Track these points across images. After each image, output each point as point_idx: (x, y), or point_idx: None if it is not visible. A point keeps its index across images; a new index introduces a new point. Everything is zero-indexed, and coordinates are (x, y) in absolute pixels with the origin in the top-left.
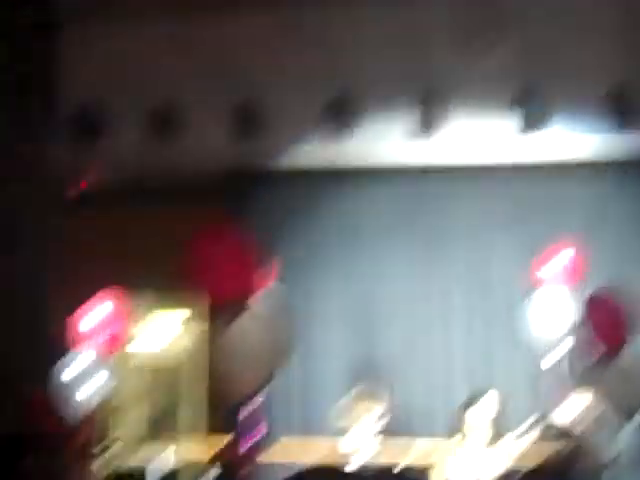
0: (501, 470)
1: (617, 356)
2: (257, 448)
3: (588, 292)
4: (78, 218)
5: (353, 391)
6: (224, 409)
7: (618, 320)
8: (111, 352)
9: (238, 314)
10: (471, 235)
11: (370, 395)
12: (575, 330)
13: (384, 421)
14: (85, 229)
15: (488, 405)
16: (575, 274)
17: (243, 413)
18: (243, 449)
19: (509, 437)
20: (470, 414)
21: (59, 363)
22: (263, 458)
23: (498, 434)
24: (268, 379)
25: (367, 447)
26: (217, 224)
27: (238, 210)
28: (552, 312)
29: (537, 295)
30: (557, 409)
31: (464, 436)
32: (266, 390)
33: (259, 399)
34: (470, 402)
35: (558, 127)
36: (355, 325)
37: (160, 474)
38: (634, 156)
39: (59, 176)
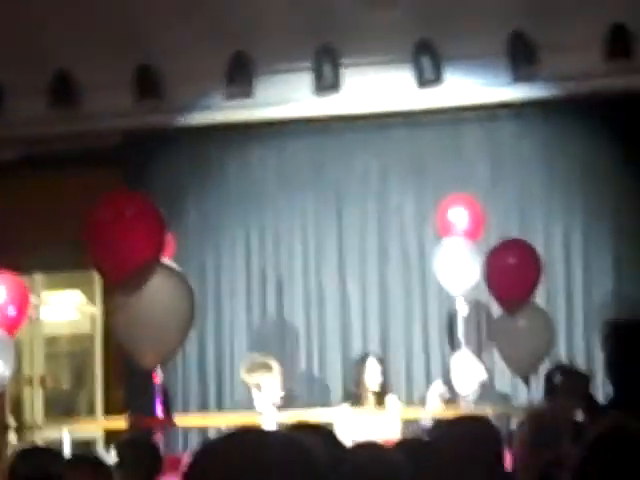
0: (395, 431)
1: (516, 312)
2: (167, 418)
3: (491, 244)
4: None
5: (246, 361)
6: (133, 380)
7: (517, 275)
8: (14, 330)
9: (142, 284)
10: (376, 185)
11: (263, 365)
12: (478, 285)
13: (279, 390)
14: None
15: (378, 368)
16: (475, 224)
17: (153, 383)
18: (154, 418)
19: (395, 399)
20: (365, 376)
21: None
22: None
23: (388, 395)
24: (175, 348)
25: (268, 418)
26: (117, 191)
27: (141, 172)
28: (457, 264)
29: (442, 247)
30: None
31: (359, 399)
32: (173, 361)
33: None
34: (363, 364)
35: (455, 77)
36: (260, 286)
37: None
38: (530, 104)
39: None
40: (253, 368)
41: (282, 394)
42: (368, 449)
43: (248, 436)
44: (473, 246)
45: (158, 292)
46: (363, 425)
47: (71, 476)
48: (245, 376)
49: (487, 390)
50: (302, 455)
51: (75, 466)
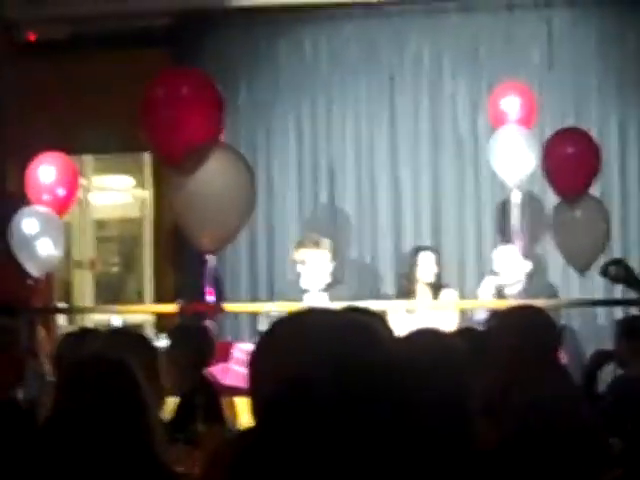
0: (451, 324)
1: (574, 202)
2: (218, 305)
3: (545, 133)
4: (27, 70)
5: (301, 238)
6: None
7: (577, 164)
8: (63, 211)
9: (200, 164)
10: (429, 72)
11: (312, 240)
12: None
13: (328, 267)
14: (36, 82)
15: (434, 260)
16: (528, 113)
17: (209, 265)
18: (205, 304)
19: (452, 292)
20: (418, 269)
21: (17, 217)
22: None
23: (443, 287)
24: (235, 230)
25: (314, 298)
26: (173, 68)
27: (191, 53)
28: (512, 154)
29: (496, 136)
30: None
31: (412, 293)
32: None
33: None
34: (416, 257)
35: None
36: (312, 171)
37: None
38: None
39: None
40: (302, 243)
41: (330, 272)
42: (428, 333)
43: (315, 313)
44: (529, 135)
45: (218, 173)
46: (418, 318)
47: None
48: (294, 252)
49: (535, 283)
50: (368, 333)
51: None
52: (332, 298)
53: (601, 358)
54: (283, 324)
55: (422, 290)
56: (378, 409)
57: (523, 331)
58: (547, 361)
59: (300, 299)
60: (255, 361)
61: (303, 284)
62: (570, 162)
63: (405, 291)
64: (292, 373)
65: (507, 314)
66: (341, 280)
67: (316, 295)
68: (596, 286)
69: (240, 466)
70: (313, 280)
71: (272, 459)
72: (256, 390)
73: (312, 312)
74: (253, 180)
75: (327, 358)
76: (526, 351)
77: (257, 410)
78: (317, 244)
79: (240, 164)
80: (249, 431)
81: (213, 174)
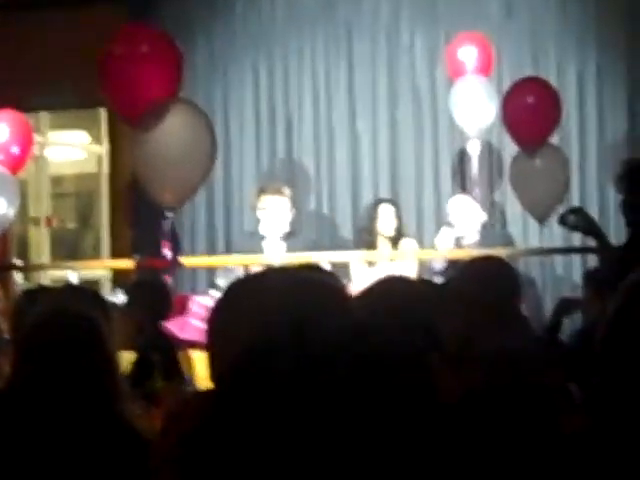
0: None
1: (535, 152)
2: (175, 260)
3: (504, 83)
4: None
5: (262, 185)
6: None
7: (537, 114)
8: (17, 169)
9: (159, 120)
10: (386, 23)
11: (279, 190)
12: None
13: (288, 215)
14: None
15: (393, 212)
16: (485, 62)
17: (165, 220)
18: (162, 259)
19: (411, 242)
20: (378, 222)
21: None
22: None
23: (403, 238)
24: (196, 186)
25: (274, 246)
26: (132, 25)
27: (145, 7)
28: (471, 104)
29: (455, 86)
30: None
31: (372, 246)
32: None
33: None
34: (376, 209)
35: None
36: (269, 124)
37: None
38: None
39: None
40: (264, 190)
41: (290, 221)
42: (394, 280)
43: (274, 273)
44: (488, 85)
45: (178, 129)
46: (378, 270)
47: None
48: (253, 199)
49: (492, 232)
50: (326, 292)
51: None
52: (290, 248)
53: (567, 306)
54: (241, 285)
55: (382, 243)
56: (339, 369)
57: (483, 281)
58: (507, 311)
59: (258, 251)
60: (213, 321)
61: (262, 231)
62: (529, 112)
63: (366, 244)
64: (250, 335)
65: (467, 264)
66: (299, 232)
67: (275, 243)
68: (555, 235)
69: (198, 431)
70: (273, 227)
71: (231, 426)
72: (214, 350)
73: (270, 273)
74: (213, 135)
75: (286, 320)
76: (486, 301)
77: (215, 372)
78: (279, 191)
79: (200, 119)
80: (208, 394)
81: (173, 130)
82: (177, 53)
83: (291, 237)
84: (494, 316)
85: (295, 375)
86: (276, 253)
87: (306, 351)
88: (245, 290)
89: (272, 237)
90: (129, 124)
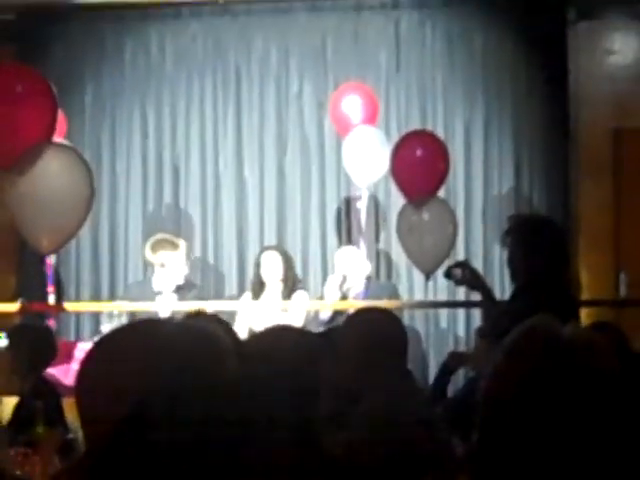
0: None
1: (422, 205)
2: (59, 304)
3: (391, 136)
4: None
5: (151, 239)
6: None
7: (424, 168)
8: None
9: (32, 164)
10: (275, 71)
11: (174, 244)
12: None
13: (184, 269)
14: None
15: (280, 260)
16: (372, 115)
17: (50, 264)
18: (46, 304)
19: (302, 292)
20: (265, 269)
21: None
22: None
23: (291, 288)
24: (72, 231)
25: (167, 300)
26: (7, 64)
27: (36, 50)
28: (361, 155)
29: (346, 137)
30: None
31: (259, 290)
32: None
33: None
34: (261, 257)
35: None
36: (156, 170)
37: None
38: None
39: None
40: (160, 245)
41: (186, 273)
42: (279, 330)
43: (147, 324)
44: (377, 137)
45: (53, 173)
46: (264, 319)
47: None
48: (149, 253)
49: (377, 284)
50: (206, 341)
51: None
52: (181, 299)
53: (455, 360)
54: (121, 333)
55: (271, 290)
56: (217, 430)
57: (367, 333)
58: (393, 364)
59: (145, 299)
60: (87, 367)
61: (157, 286)
62: (417, 165)
63: (254, 291)
64: (124, 391)
65: (353, 316)
66: (192, 283)
67: (167, 296)
68: (439, 288)
69: None
70: (169, 282)
71: None
72: (84, 399)
73: (149, 322)
74: (91, 179)
75: (165, 377)
76: (372, 354)
77: (85, 422)
78: (175, 245)
79: (76, 163)
80: (80, 469)
81: (47, 174)
82: (51, 94)
83: (182, 289)
84: (380, 370)
85: (168, 447)
86: (164, 302)
87: (179, 419)
88: (124, 340)
89: (166, 291)
90: (1, 167)
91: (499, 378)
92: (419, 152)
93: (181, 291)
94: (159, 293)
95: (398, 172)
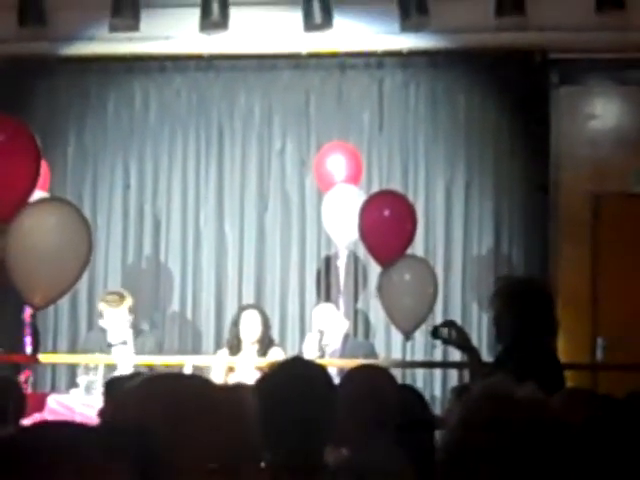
0: None
1: (391, 265)
2: (35, 355)
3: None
4: None
5: (104, 293)
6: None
7: (390, 228)
8: None
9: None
10: (258, 128)
11: (116, 301)
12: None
13: (124, 326)
14: None
15: (259, 319)
16: (355, 174)
17: (27, 316)
18: (21, 355)
19: (278, 350)
20: (244, 328)
21: None
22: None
23: (267, 346)
24: (68, 287)
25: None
26: None
27: (20, 101)
28: (340, 213)
29: (326, 195)
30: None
31: (237, 348)
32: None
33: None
34: (240, 316)
35: (344, 22)
36: (137, 223)
37: None
38: (417, 54)
39: None
40: (103, 298)
41: (129, 325)
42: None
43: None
44: (358, 196)
45: (51, 227)
46: (241, 376)
47: None
48: (101, 307)
49: (354, 342)
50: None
51: None
52: (138, 349)
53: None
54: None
55: (248, 348)
56: None
57: (367, 392)
58: (383, 421)
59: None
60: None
61: (108, 338)
62: (384, 226)
63: (231, 348)
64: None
65: (351, 373)
66: (151, 328)
67: (119, 348)
68: (417, 347)
69: None
70: (113, 335)
71: None
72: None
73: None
74: (89, 235)
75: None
76: (367, 412)
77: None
78: (115, 303)
79: (75, 219)
80: None
81: (46, 229)
82: (34, 146)
83: (139, 337)
84: (363, 430)
85: None
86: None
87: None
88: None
89: (115, 344)
90: None
91: (457, 432)
92: (385, 213)
93: (138, 339)
94: (110, 345)
95: (364, 233)
